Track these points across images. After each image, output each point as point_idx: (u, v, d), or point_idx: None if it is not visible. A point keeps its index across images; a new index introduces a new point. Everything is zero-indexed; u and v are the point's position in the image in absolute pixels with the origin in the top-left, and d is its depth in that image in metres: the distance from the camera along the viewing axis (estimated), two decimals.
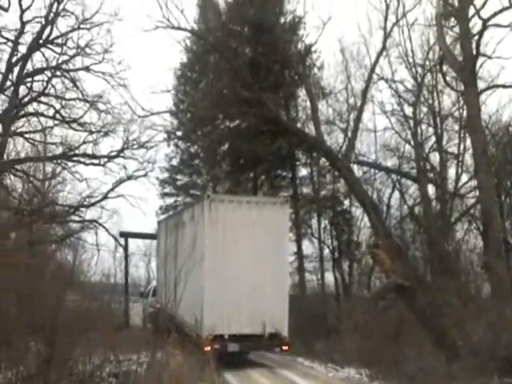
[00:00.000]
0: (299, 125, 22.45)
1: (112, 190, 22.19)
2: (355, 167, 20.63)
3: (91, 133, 21.51)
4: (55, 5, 19.58)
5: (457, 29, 16.46)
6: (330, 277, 23.03)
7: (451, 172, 20.63)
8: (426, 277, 17.30)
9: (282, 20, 22.37)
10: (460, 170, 20.20)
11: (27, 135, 21.25)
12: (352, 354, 12.97)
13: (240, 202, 13.41)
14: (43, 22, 19.64)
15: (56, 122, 21.32)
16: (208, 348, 11.59)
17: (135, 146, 21.85)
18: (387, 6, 19.44)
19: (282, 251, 13.40)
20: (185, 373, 9.61)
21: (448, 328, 11.91)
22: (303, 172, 24.66)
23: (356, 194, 19.82)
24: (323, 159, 22.47)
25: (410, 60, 20.05)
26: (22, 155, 21.04)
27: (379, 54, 20.02)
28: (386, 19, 19.57)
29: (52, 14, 19.65)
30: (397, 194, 21.77)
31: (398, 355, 11.57)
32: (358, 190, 19.25)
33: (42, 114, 21.18)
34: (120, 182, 22.16)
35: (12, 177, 20.81)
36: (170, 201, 28.45)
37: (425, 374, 10.09)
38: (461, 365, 10.25)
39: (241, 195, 17.50)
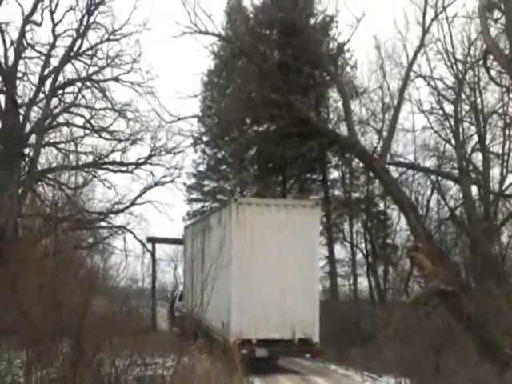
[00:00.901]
0: (330, 126, 22.09)
1: (140, 196, 22.40)
2: (391, 168, 20.13)
3: (120, 141, 21.78)
4: (86, 18, 19.91)
5: (502, 20, 15.81)
6: (363, 282, 22.50)
7: (495, 172, 19.91)
8: (470, 282, 16.65)
9: (313, 21, 22.09)
10: (505, 171, 19.46)
11: (59, 145, 21.57)
12: (391, 363, 12.40)
13: (268, 205, 13.12)
14: (74, 35, 20.00)
15: (86, 131, 21.63)
16: (235, 353, 11.28)
17: (162, 153, 22.00)
18: (426, 0, 18.83)
19: (312, 255, 13.02)
20: (212, 378, 9.35)
21: (497, 336, 11.28)
22: (334, 174, 24.25)
23: (393, 196, 19.29)
24: (356, 161, 22.05)
25: (450, 56, 19.47)
26: (54, 165, 21.37)
27: (417, 51, 19.42)
28: (424, 14, 18.97)
29: (83, 27, 19.99)
30: (436, 195, 21.15)
31: (442, 365, 11.00)
32: (395, 191, 18.72)
33: (73, 124, 21.51)
34: (147, 188, 22.38)
35: (45, 186, 21.13)
36: (197, 206, 28.50)
37: None
38: None
39: (269, 198, 17.22)
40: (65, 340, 9.08)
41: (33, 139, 19.97)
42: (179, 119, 20.66)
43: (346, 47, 21.78)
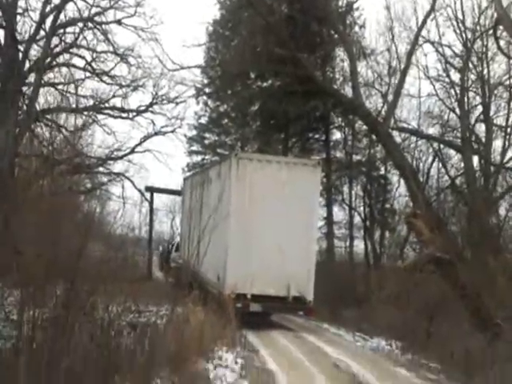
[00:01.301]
0: (335, 86, 21.68)
1: (140, 144, 22.08)
2: (394, 133, 19.88)
3: (121, 86, 21.26)
4: None
5: None
6: (359, 245, 22.55)
7: (497, 144, 19.69)
8: (466, 252, 16.66)
9: None
10: (507, 143, 19.25)
11: (58, 86, 21.13)
12: (382, 326, 12.48)
13: (269, 162, 12.91)
14: None
15: (87, 74, 21.10)
16: (230, 306, 11.28)
17: (164, 102, 21.54)
18: None
19: (310, 214, 12.90)
20: (205, 329, 9.37)
21: (491, 307, 11.31)
22: (337, 135, 23.93)
23: (395, 161, 19.10)
24: (359, 123, 21.75)
25: (460, 24, 19.02)
26: (53, 106, 21.01)
27: (427, 16, 18.98)
28: None
29: None
30: (437, 164, 20.97)
31: (434, 331, 11.04)
32: (397, 156, 18.53)
33: (74, 65, 20.94)
34: (148, 136, 22.02)
35: (43, 126, 20.82)
36: (197, 159, 28.24)
37: (464, 353, 9.52)
38: (504, 347, 9.67)
39: (270, 155, 17.03)
40: (59, 281, 9.01)
41: (32, 78, 19.48)
42: (182, 68, 20.24)
43: (355, 6, 21.31)
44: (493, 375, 8.50)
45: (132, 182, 22.18)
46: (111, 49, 20.27)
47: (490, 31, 17.29)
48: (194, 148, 28.08)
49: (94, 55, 20.58)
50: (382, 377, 8.51)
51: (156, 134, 22.11)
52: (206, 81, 24.24)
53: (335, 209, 23.08)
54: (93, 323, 8.61)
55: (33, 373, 6.73)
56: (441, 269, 12.15)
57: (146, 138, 22.04)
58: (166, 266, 21.15)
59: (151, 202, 23.67)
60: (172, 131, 22.29)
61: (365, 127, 21.11)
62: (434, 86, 20.35)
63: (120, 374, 7.39)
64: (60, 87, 20.86)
